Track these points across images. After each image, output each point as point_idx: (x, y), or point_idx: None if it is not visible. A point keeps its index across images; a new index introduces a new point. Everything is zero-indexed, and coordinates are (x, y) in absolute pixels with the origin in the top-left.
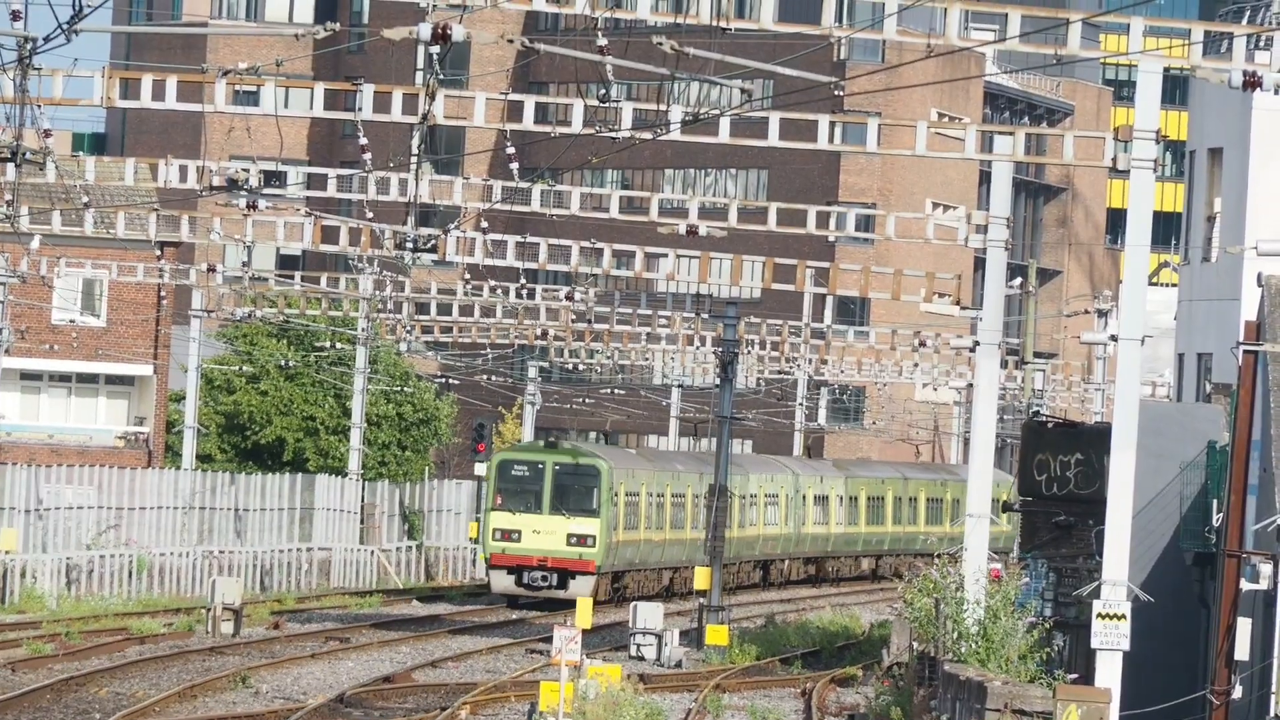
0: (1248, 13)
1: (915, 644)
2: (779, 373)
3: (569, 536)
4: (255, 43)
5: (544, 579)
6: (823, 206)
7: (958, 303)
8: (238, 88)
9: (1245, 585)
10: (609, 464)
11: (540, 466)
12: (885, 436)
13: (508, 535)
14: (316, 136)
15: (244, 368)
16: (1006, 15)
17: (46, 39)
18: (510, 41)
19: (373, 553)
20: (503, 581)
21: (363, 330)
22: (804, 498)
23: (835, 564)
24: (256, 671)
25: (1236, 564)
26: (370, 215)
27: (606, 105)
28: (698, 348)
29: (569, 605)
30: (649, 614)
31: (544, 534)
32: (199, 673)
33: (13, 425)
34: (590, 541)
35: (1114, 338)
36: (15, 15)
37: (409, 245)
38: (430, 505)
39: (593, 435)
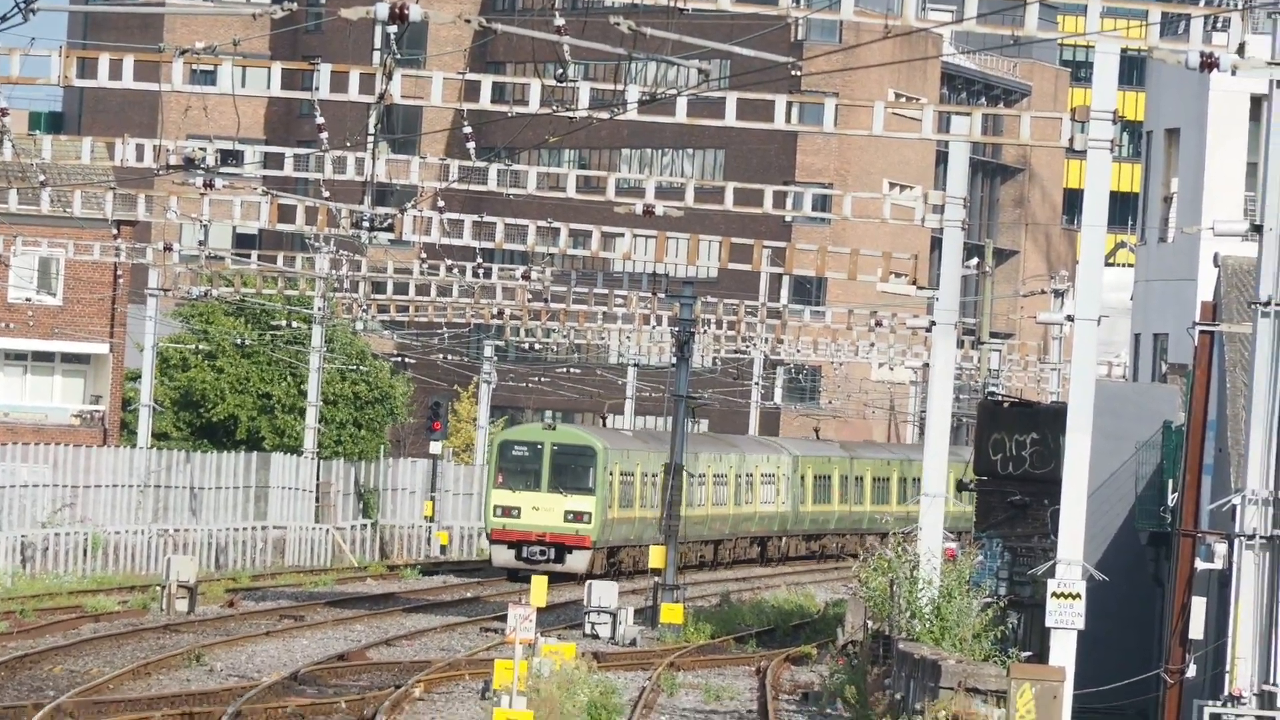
0: None
1: (870, 623)
2: (735, 352)
3: (566, 513)
4: (212, 22)
5: (542, 553)
6: (779, 186)
7: (914, 282)
8: (195, 67)
9: (1200, 565)
10: (604, 445)
11: (539, 447)
12: (842, 415)
13: (508, 511)
14: (273, 116)
15: (200, 346)
16: None
17: (4, 18)
18: (467, 21)
19: (328, 531)
20: (503, 555)
21: (319, 309)
22: (802, 477)
23: (840, 541)
24: (211, 649)
25: (1192, 543)
26: (327, 194)
27: (563, 85)
28: (654, 327)
29: (567, 578)
30: (604, 592)
31: (543, 510)
32: (153, 650)
33: None
34: (586, 518)
35: (1070, 318)
36: None
37: (365, 224)
38: (385, 484)
39: (548, 414)
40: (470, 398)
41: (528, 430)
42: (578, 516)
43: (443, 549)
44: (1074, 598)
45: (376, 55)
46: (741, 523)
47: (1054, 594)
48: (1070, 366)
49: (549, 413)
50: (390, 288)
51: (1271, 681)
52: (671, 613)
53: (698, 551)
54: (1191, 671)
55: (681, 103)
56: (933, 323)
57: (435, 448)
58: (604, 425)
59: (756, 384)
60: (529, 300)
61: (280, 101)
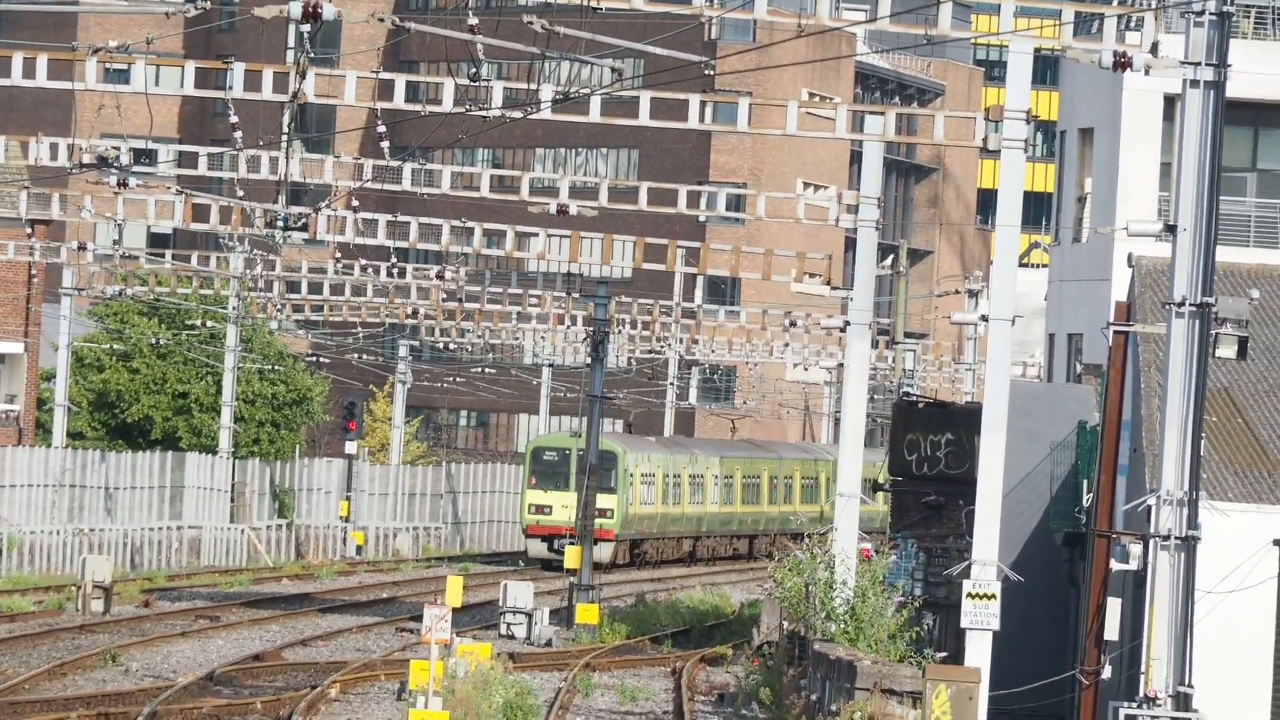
0: None
1: (785, 623)
2: (650, 352)
3: None
4: (126, 21)
5: (571, 544)
6: (693, 186)
7: (828, 283)
8: (108, 66)
9: (1115, 565)
10: (624, 449)
11: (567, 452)
12: (756, 416)
13: (541, 509)
14: (187, 115)
15: (114, 346)
16: None
17: None
18: (381, 20)
19: (243, 531)
20: (537, 548)
21: (233, 309)
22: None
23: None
24: (127, 650)
25: (1106, 544)
26: (241, 194)
27: (477, 84)
28: (569, 327)
29: (593, 567)
30: (519, 592)
31: (570, 508)
32: (69, 651)
33: None
34: (609, 514)
35: (984, 318)
36: None
37: (280, 224)
38: (301, 484)
39: (464, 414)
40: (385, 398)
41: (557, 438)
42: (601, 513)
43: (358, 549)
44: (989, 598)
45: (290, 54)
46: (725, 522)
47: (969, 594)
48: (985, 367)
49: (464, 412)
50: (305, 287)
51: (1186, 683)
52: (587, 613)
53: (677, 547)
54: (1107, 673)
55: (595, 102)
56: (847, 323)
57: (350, 448)
58: (628, 432)
59: (671, 384)
60: (444, 300)
61: (194, 100)
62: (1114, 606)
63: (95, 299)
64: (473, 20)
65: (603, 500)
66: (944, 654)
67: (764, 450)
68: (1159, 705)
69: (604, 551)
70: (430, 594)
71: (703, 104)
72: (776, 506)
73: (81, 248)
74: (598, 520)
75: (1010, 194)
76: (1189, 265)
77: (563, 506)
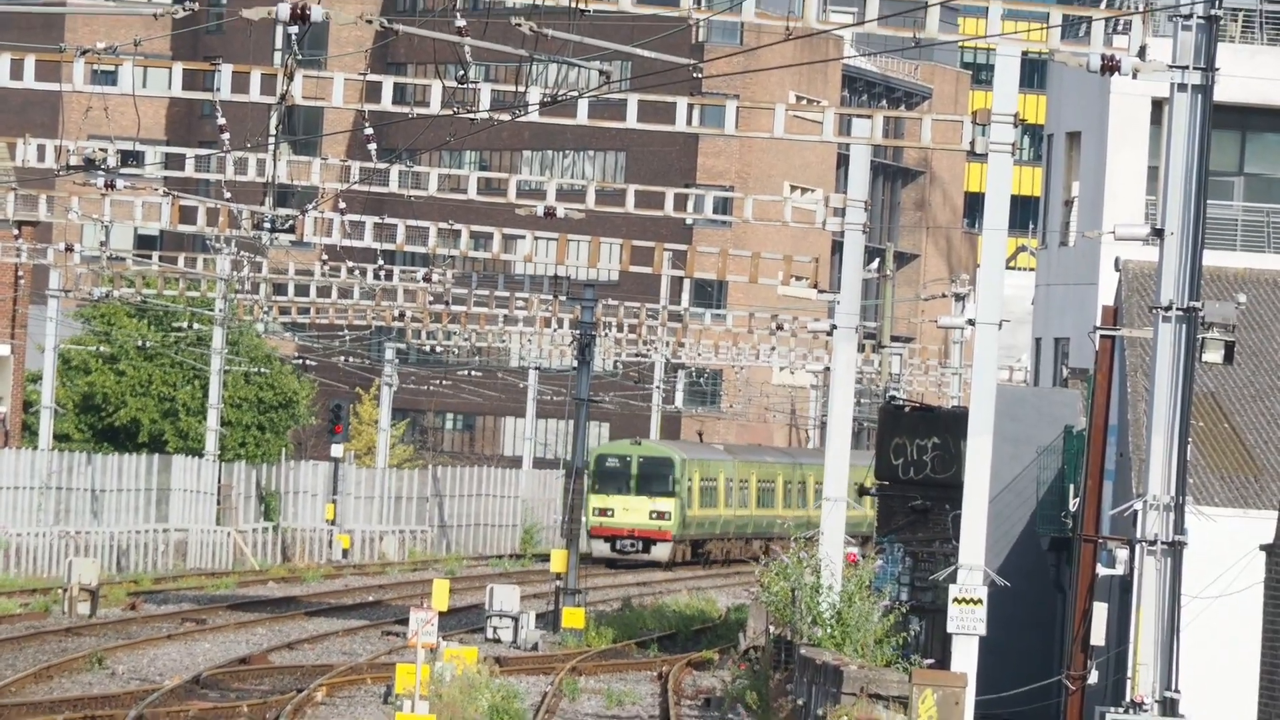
0: None
1: (772, 628)
2: (636, 355)
3: (650, 512)
4: (113, 22)
5: (632, 545)
6: (681, 189)
7: (815, 286)
8: (96, 67)
9: (1101, 570)
10: (682, 456)
11: (628, 459)
12: (742, 419)
13: (604, 512)
14: (174, 116)
15: (101, 348)
16: None
17: None
18: (369, 22)
19: (229, 534)
20: (601, 548)
21: (220, 311)
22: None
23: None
24: (113, 653)
25: (1093, 549)
26: (228, 195)
27: (465, 86)
28: (555, 330)
29: (653, 565)
30: (505, 596)
31: (632, 511)
32: (55, 653)
33: None
34: (667, 516)
35: (971, 322)
36: None
37: (267, 225)
38: (287, 486)
39: (450, 417)
40: (372, 400)
41: (618, 446)
42: (660, 515)
43: (345, 553)
44: (975, 603)
45: (278, 56)
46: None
47: (955, 599)
48: (971, 371)
49: (450, 415)
50: (291, 289)
51: (1173, 688)
52: (573, 617)
53: (745, 548)
54: (1093, 678)
55: (583, 104)
56: (834, 326)
57: (337, 450)
58: (700, 439)
59: (658, 387)
60: (430, 303)
61: (181, 102)
62: (1100, 611)
63: (82, 301)
64: (461, 22)
65: (662, 504)
66: (930, 659)
67: (800, 456)
68: (1146, 710)
69: (662, 551)
70: (415, 597)
71: (690, 107)
72: (806, 510)
73: (68, 249)
74: (657, 522)
75: (997, 197)
76: (1176, 269)
77: (624, 509)
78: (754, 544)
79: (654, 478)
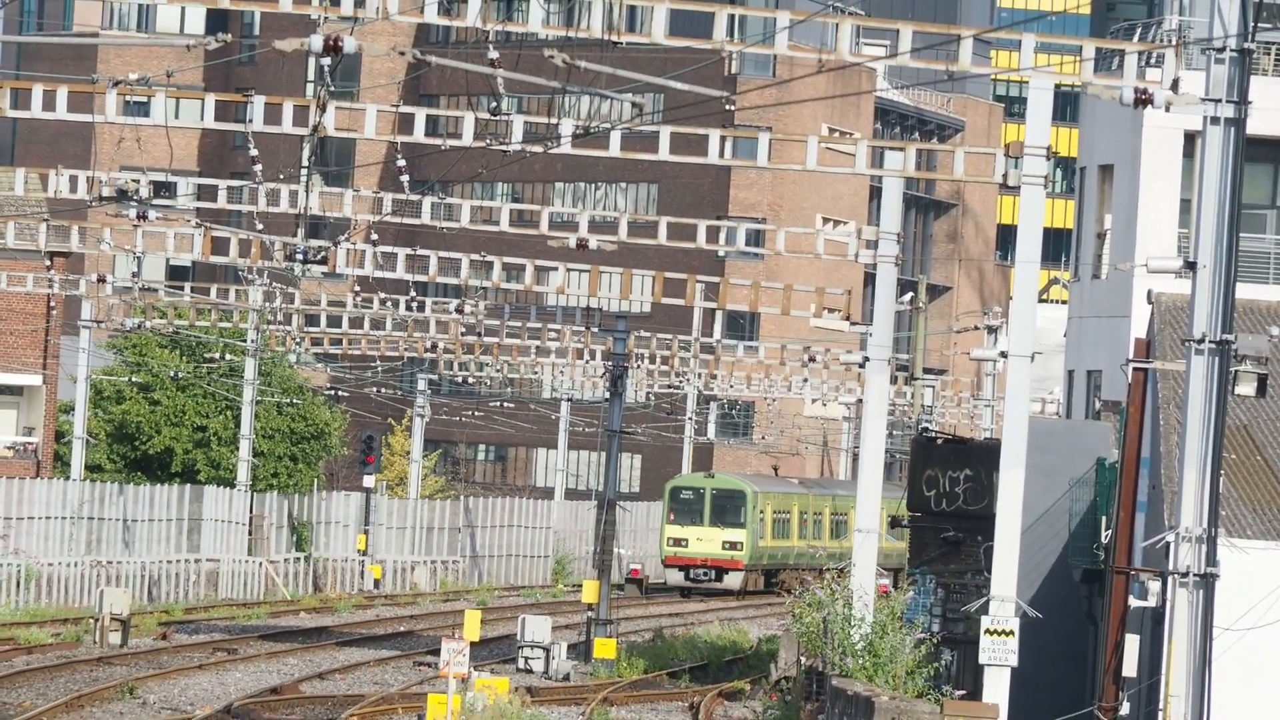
0: (1139, 30)
1: (803, 658)
2: (668, 387)
3: (723, 543)
4: (146, 53)
5: (705, 574)
6: (713, 221)
7: (847, 318)
8: (128, 98)
9: (1133, 602)
10: (754, 489)
11: (701, 491)
12: (773, 451)
13: (679, 542)
14: (207, 147)
15: (134, 378)
16: (898, 31)
17: None
18: (401, 54)
19: (261, 564)
20: (675, 576)
21: (252, 342)
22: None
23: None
24: (144, 682)
25: (1125, 581)
26: (260, 226)
27: (497, 118)
28: (587, 361)
29: (726, 593)
30: (536, 627)
31: (705, 541)
32: (86, 683)
33: None
34: (739, 546)
35: (1004, 354)
36: None
37: (299, 257)
38: (319, 517)
39: (482, 448)
40: (404, 431)
41: (692, 478)
42: (732, 545)
43: (376, 583)
44: (1008, 634)
45: (310, 87)
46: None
47: (988, 631)
48: (1004, 403)
49: (482, 446)
50: (324, 320)
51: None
52: (605, 648)
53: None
54: (1125, 709)
55: (615, 136)
56: (866, 358)
57: (369, 481)
58: (775, 474)
59: (690, 419)
60: (462, 334)
61: (214, 133)
62: (1132, 643)
63: (114, 331)
64: (493, 54)
65: (734, 534)
66: (962, 691)
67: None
68: None
69: (734, 580)
70: (448, 627)
71: (723, 139)
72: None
73: (100, 280)
74: (729, 552)
75: (1030, 230)
76: (1209, 302)
77: (698, 539)
78: (827, 574)
79: (727, 509)
